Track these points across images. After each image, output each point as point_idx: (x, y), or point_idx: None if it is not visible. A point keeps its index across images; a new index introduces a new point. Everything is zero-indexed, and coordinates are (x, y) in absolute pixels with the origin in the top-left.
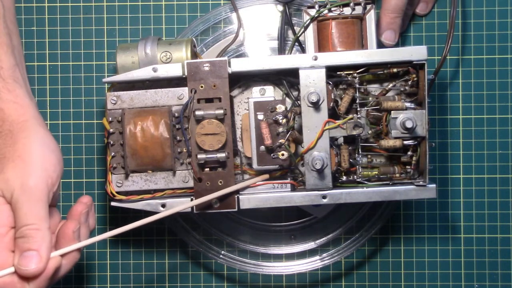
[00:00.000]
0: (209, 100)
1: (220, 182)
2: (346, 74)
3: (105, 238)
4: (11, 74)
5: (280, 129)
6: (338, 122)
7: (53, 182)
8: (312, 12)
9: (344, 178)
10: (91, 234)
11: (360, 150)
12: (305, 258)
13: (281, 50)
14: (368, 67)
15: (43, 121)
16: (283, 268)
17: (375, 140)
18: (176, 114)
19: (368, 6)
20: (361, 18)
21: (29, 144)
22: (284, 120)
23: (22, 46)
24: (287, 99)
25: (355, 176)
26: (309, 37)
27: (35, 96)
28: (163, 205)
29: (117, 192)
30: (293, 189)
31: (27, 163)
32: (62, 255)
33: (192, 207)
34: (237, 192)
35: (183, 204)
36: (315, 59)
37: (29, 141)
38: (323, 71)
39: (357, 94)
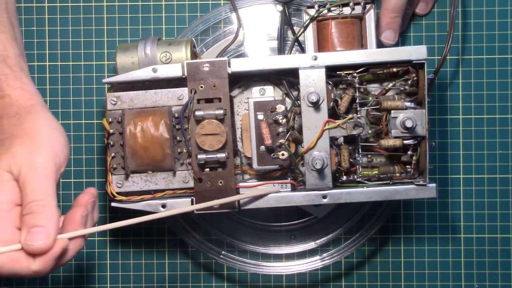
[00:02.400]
0: (209, 100)
1: (220, 182)
2: (346, 74)
3: (116, 227)
4: (17, 63)
5: (280, 129)
6: (338, 122)
7: (60, 162)
8: (312, 12)
9: (344, 178)
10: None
11: (360, 150)
12: (305, 258)
13: (281, 50)
14: (368, 66)
15: (48, 108)
16: (283, 268)
17: (375, 139)
18: (176, 115)
19: (368, 6)
20: (360, 18)
21: (36, 123)
22: (284, 120)
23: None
24: (287, 99)
25: (355, 176)
26: (309, 37)
27: None
28: (164, 206)
29: (118, 193)
30: (293, 189)
31: (35, 140)
32: (69, 239)
33: None
34: (237, 192)
35: (184, 207)
36: (315, 59)
37: (36, 121)
38: (323, 71)
39: (357, 94)
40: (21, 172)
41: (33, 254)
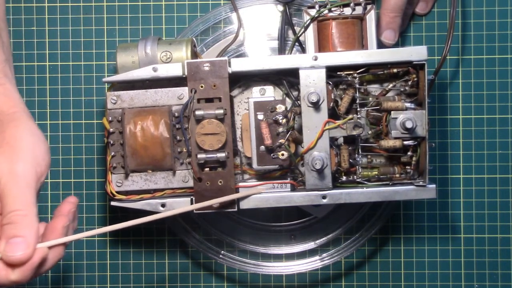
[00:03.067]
0: (209, 100)
1: (220, 182)
2: (346, 74)
3: (97, 233)
4: (1, 69)
5: (280, 129)
6: (338, 122)
7: (42, 171)
8: (312, 12)
9: (344, 178)
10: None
11: (360, 150)
12: (305, 258)
13: (281, 50)
14: (368, 67)
15: (31, 116)
16: (283, 268)
17: (375, 140)
18: (176, 114)
19: (368, 6)
20: (361, 18)
21: (18, 132)
22: (284, 120)
23: (22, 46)
24: (287, 99)
25: (355, 176)
26: (309, 37)
27: (35, 96)
28: (163, 205)
29: (117, 192)
30: (293, 189)
31: (16, 149)
32: (49, 248)
33: None
34: (237, 191)
35: (183, 207)
36: (315, 59)
37: (18, 129)
38: (323, 71)
39: (357, 94)
40: (1, 181)
41: (12, 264)
